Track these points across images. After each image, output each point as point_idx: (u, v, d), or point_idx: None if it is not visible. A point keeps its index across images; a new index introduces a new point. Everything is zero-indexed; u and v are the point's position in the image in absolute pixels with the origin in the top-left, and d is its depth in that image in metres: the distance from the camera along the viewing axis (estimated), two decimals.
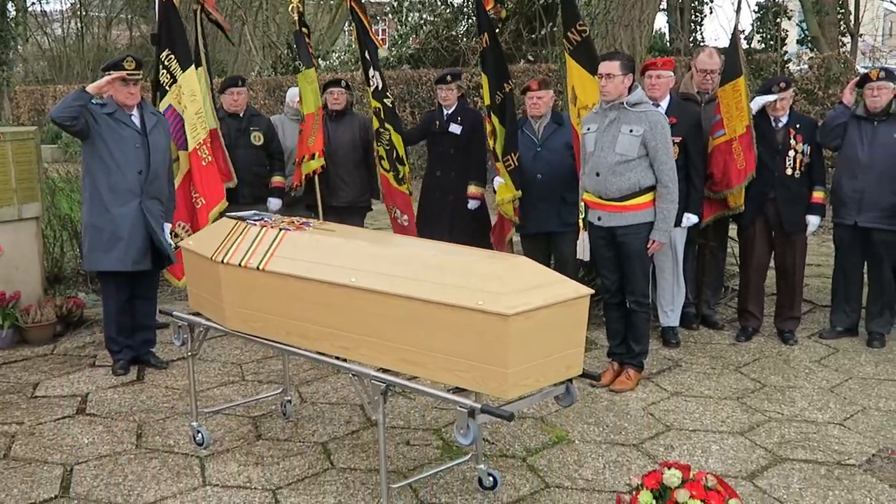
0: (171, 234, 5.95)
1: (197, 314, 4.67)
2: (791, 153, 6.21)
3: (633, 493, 3.95)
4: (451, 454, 4.60)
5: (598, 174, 5.34)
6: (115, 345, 5.91)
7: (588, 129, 5.48)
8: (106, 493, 4.26)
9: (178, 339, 4.71)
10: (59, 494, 4.25)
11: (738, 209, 6.39)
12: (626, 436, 4.91)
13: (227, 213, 4.87)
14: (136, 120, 5.68)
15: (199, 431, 4.76)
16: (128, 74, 5.54)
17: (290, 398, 5.19)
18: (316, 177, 6.99)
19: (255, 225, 4.35)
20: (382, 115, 6.96)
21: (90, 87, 5.48)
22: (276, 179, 7.09)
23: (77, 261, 8.07)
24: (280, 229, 4.24)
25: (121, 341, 5.90)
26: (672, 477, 3.89)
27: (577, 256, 5.68)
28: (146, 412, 5.27)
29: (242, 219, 4.49)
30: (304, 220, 4.57)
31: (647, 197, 5.31)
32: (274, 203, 7.01)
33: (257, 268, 4.08)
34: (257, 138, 6.97)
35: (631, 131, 5.23)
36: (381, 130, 6.99)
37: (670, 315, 6.46)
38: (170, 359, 6.15)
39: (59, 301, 6.84)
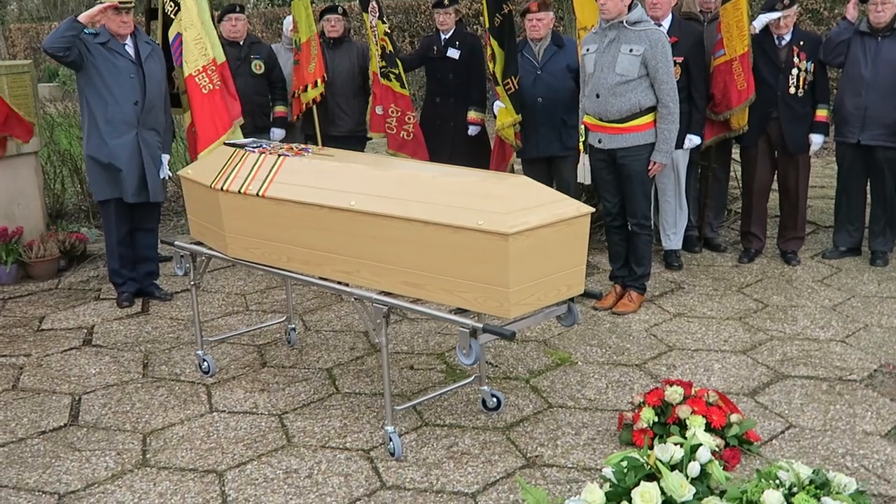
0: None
1: (198, 243, 4.67)
2: (794, 71, 6.12)
3: (636, 410, 4.00)
4: (454, 378, 4.64)
5: (597, 95, 5.28)
6: (118, 277, 5.93)
7: (587, 49, 5.40)
8: (115, 421, 4.32)
9: (180, 268, 4.71)
10: (68, 422, 4.31)
11: (741, 130, 6.33)
12: (628, 356, 4.94)
13: (226, 142, 4.83)
14: (129, 50, 5.61)
15: (204, 360, 4.80)
16: (120, 3, 5.45)
17: (294, 326, 5.22)
18: (314, 106, 6.92)
19: (254, 152, 4.32)
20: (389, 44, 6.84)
21: (82, 17, 5.39)
22: (279, 109, 7.02)
23: (79, 196, 8.07)
24: (279, 155, 4.21)
25: (124, 273, 5.92)
26: (674, 394, 3.93)
27: (578, 180, 5.66)
28: (152, 343, 5.31)
29: (241, 146, 4.46)
30: (302, 146, 4.54)
31: (648, 118, 5.25)
32: (277, 133, 6.95)
33: (257, 194, 4.06)
34: (258, 67, 6.87)
35: (631, 51, 5.15)
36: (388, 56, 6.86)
37: (672, 238, 6.46)
38: (174, 290, 6.17)
39: (61, 236, 6.85)
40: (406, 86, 6.95)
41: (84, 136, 5.78)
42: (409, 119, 6.94)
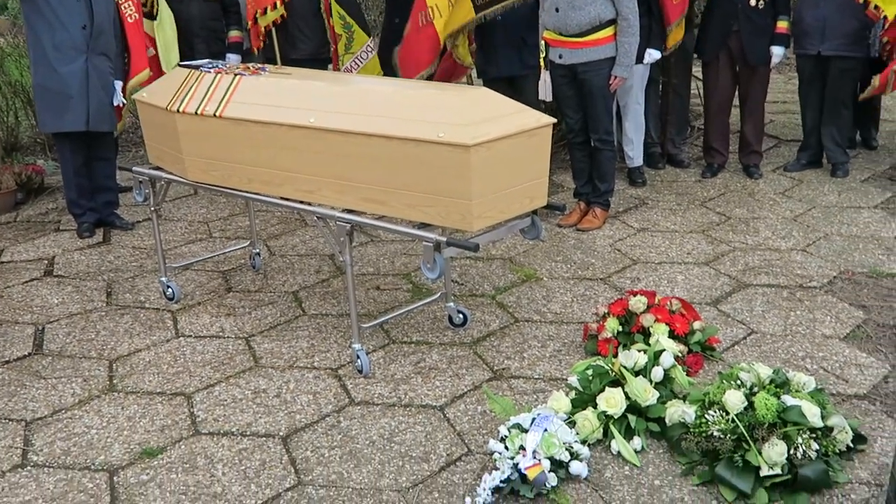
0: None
1: (157, 169, 4.59)
2: None
3: (600, 321, 4.05)
4: (421, 297, 4.65)
5: (557, 9, 5.21)
6: (77, 208, 5.83)
7: None
8: (80, 349, 4.29)
9: (139, 194, 4.64)
10: (32, 352, 4.27)
11: (675, 47, 6.28)
12: (593, 271, 4.98)
13: (180, 63, 4.72)
14: None
15: (168, 286, 4.76)
16: None
17: (258, 251, 5.19)
18: (273, 29, 6.76)
19: (210, 72, 4.22)
20: None
21: None
22: (234, 34, 6.83)
23: (34, 129, 7.88)
24: (235, 75, 4.13)
25: (83, 204, 5.82)
26: (637, 303, 3.98)
27: (540, 97, 5.61)
28: (114, 272, 5.26)
29: (196, 67, 4.36)
30: (259, 65, 4.45)
31: (608, 31, 5.20)
32: (233, 59, 6.78)
33: (214, 115, 3.99)
34: None
35: None
36: None
37: (633, 155, 6.46)
38: (135, 220, 6.09)
39: (17, 168, 6.70)
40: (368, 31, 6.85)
41: (32, 64, 5.62)
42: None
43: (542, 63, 5.52)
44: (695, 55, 6.65)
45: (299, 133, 3.73)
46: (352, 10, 6.79)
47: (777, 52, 6.18)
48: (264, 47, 6.96)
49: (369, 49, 6.80)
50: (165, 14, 6.30)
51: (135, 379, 3.97)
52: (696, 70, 6.99)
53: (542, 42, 5.47)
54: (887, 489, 2.79)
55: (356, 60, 6.85)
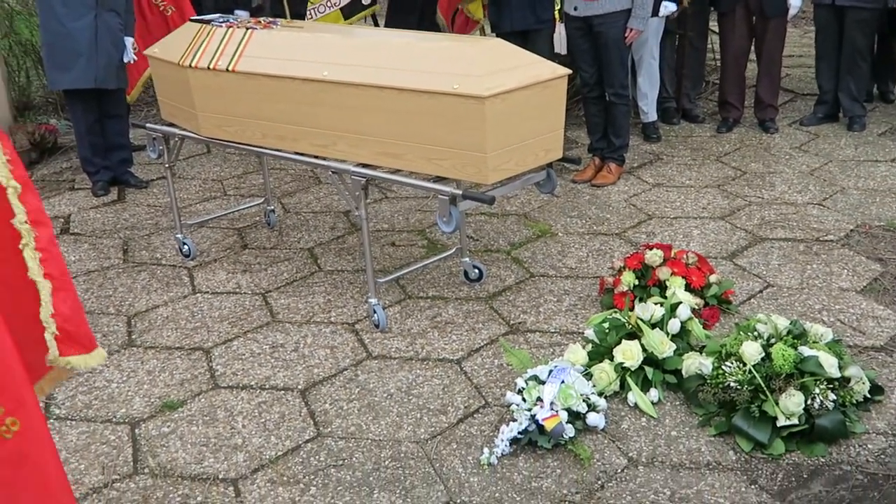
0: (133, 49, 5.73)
1: (171, 125, 4.58)
2: None
3: (616, 275, 4.04)
4: (436, 253, 4.64)
5: None
6: (90, 166, 5.83)
7: None
8: (98, 305, 4.32)
9: (153, 151, 4.63)
10: None
11: None
12: (608, 226, 4.96)
13: (192, 18, 4.69)
14: None
15: (184, 243, 4.78)
16: None
17: (273, 208, 5.19)
18: None
19: (222, 27, 4.19)
20: None
21: None
22: None
23: (45, 88, 7.86)
24: (247, 29, 4.10)
25: (96, 162, 5.82)
26: (654, 256, 3.97)
27: (555, 50, 5.55)
28: (130, 229, 5.27)
29: (207, 22, 4.33)
30: (270, 19, 4.41)
31: None
32: (241, 14, 6.75)
33: (227, 69, 3.96)
34: None
35: None
36: None
37: (647, 110, 6.40)
38: (149, 178, 6.09)
39: (30, 128, 6.70)
40: None
41: (41, 21, 5.59)
42: None
43: (556, 15, 5.46)
44: (711, 7, 6.55)
45: (313, 87, 3.71)
46: None
47: (794, 3, 6.08)
48: (273, 4, 6.91)
49: (329, 3, 6.81)
50: None
51: (153, 334, 4.00)
52: (713, 24, 6.90)
53: None
54: None
55: (313, 10, 6.87)
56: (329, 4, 6.79)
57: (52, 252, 1.79)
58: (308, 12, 6.78)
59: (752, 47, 6.46)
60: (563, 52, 5.48)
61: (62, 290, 1.80)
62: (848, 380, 3.09)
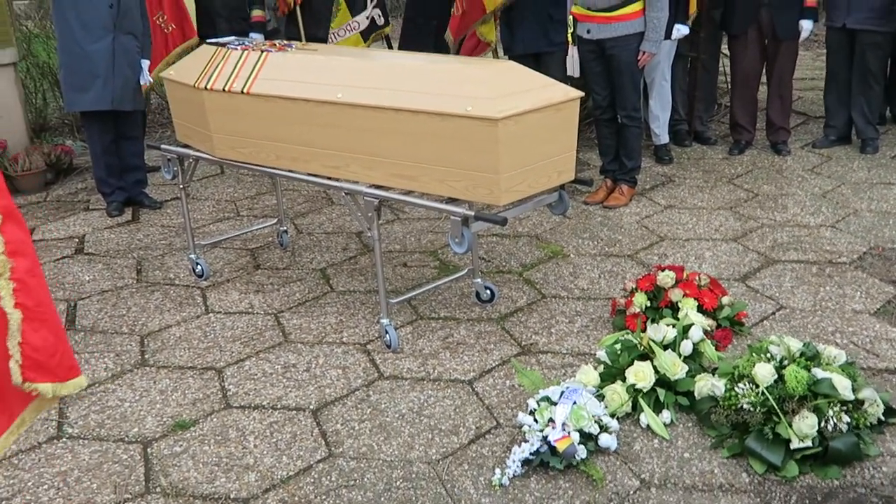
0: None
1: (185, 146, 4.62)
2: None
3: (628, 296, 4.04)
4: (448, 274, 4.65)
5: None
6: (106, 186, 5.89)
7: None
8: (111, 324, 4.34)
9: (168, 172, 4.67)
10: (66, 327, 4.33)
11: (692, 18, 6.24)
12: (620, 248, 4.96)
13: (207, 41, 4.74)
14: None
15: (198, 263, 4.80)
16: None
17: (286, 229, 5.22)
18: (297, 7, 6.77)
19: (237, 49, 4.24)
20: None
21: None
22: (256, 14, 6.83)
23: (62, 110, 7.95)
24: (262, 51, 4.14)
25: (111, 183, 5.87)
26: (666, 278, 3.96)
27: (567, 73, 5.58)
28: (144, 249, 5.31)
29: (223, 44, 4.37)
30: (285, 42, 4.46)
31: (637, 6, 5.16)
32: (256, 37, 6.81)
33: (242, 91, 4.00)
34: None
35: None
36: None
37: (659, 132, 6.42)
38: (163, 199, 6.13)
39: (46, 149, 6.76)
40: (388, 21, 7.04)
41: (58, 43, 5.67)
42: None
43: (569, 38, 5.49)
44: (723, 31, 6.58)
45: (327, 109, 3.74)
46: None
47: (806, 25, 6.10)
48: (287, 26, 6.99)
49: (349, 28, 6.92)
50: None
51: (166, 354, 4.01)
52: (725, 47, 6.92)
53: (570, 17, 5.44)
54: None
55: (334, 35, 6.98)
56: (349, 28, 6.89)
57: (29, 283, 1.78)
58: (330, 37, 6.88)
59: (764, 70, 6.48)
60: (576, 74, 5.51)
61: (35, 321, 1.79)
62: (862, 402, 3.07)
